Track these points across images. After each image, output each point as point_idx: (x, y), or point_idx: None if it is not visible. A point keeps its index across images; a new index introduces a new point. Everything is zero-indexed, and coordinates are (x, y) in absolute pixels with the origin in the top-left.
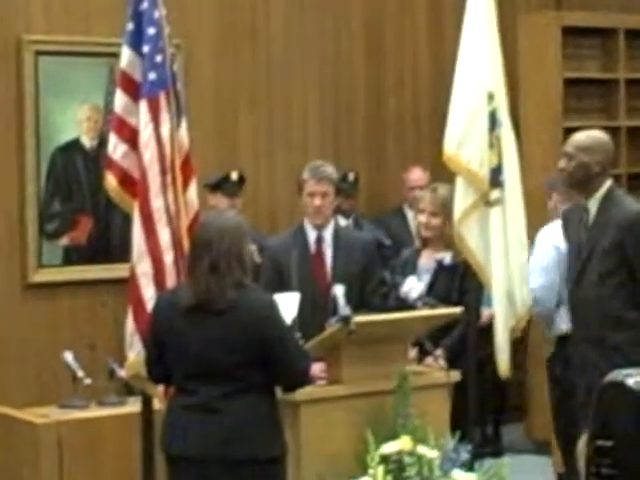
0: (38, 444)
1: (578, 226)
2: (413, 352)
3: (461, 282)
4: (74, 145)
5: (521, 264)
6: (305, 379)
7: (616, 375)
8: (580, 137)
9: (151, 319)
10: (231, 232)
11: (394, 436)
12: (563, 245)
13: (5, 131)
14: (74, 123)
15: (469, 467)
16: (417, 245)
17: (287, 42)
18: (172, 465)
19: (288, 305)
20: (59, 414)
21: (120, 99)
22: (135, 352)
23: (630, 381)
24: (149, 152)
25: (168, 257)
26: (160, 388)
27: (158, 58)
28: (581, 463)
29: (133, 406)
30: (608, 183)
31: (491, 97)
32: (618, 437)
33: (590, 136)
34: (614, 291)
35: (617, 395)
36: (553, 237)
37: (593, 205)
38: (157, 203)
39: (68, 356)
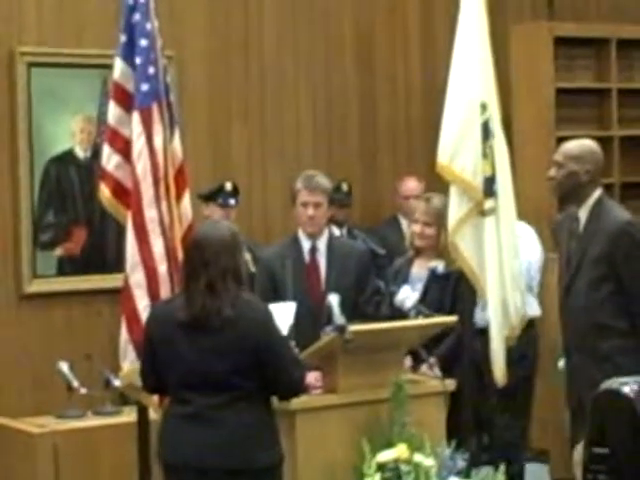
0: (34, 454)
1: (568, 235)
2: (407, 360)
3: (453, 291)
4: (67, 156)
5: (514, 273)
6: (300, 388)
7: (611, 383)
8: (570, 146)
9: (145, 330)
10: (226, 247)
11: (390, 444)
12: None
13: None
14: (67, 134)
15: (466, 475)
16: (410, 254)
17: (279, 52)
18: (168, 474)
19: (284, 315)
20: (55, 424)
21: (113, 110)
22: (129, 362)
23: (625, 389)
24: (142, 163)
25: (162, 267)
26: (155, 398)
27: (150, 70)
28: (577, 471)
29: (129, 416)
30: (598, 192)
31: (484, 107)
32: (614, 444)
33: (580, 145)
34: (603, 300)
35: (612, 403)
36: None
37: (583, 214)
38: (151, 214)
39: (63, 366)
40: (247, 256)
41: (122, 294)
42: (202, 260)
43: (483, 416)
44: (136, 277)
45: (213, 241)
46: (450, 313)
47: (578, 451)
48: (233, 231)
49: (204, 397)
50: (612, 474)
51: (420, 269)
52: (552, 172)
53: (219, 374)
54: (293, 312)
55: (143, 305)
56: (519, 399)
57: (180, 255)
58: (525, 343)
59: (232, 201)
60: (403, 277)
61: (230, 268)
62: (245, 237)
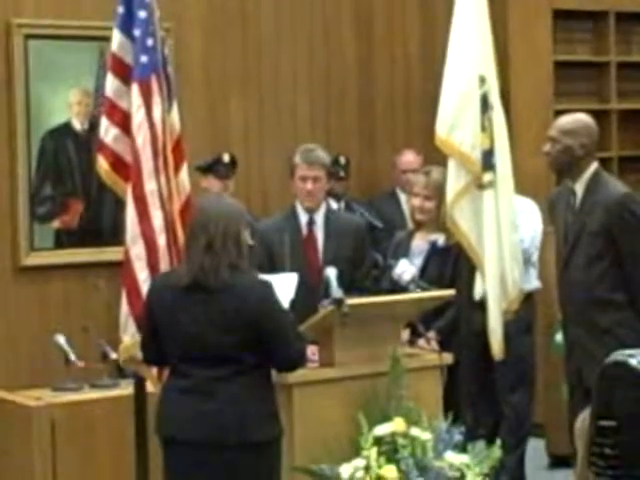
0: (31, 427)
1: (565, 209)
2: (405, 334)
3: (454, 264)
4: (65, 129)
5: (513, 246)
6: (300, 361)
7: (618, 355)
8: (564, 121)
9: (146, 301)
10: (228, 214)
11: (387, 418)
12: None
13: None
14: (65, 107)
15: (462, 449)
16: (410, 227)
17: (277, 25)
18: (167, 448)
19: (285, 286)
20: (52, 397)
21: (111, 83)
22: (129, 335)
23: (633, 361)
24: (142, 135)
25: (161, 240)
26: (154, 371)
27: (149, 42)
28: (578, 442)
29: (126, 389)
30: (594, 166)
31: (482, 80)
32: (621, 417)
33: (574, 119)
34: (602, 274)
35: (620, 375)
36: None
37: (579, 188)
38: (150, 186)
39: (60, 339)
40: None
41: (123, 267)
42: (202, 222)
43: (487, 388)
44: (136, 249)
45: (215, 207)
46: (450, 286)
47: (580, 419)
48: (237, 204)
49: (204, 370)
50: (619, 447)
51: (421, 242)
52: (547, 147)
53: (219, 347)
54: (295, 284)
55: (143, 278)
56: (528, 369)
57: (179, 228)
58: (528, 314)
59: (230, 173)
60: (404, 251)
61: (230, 233)
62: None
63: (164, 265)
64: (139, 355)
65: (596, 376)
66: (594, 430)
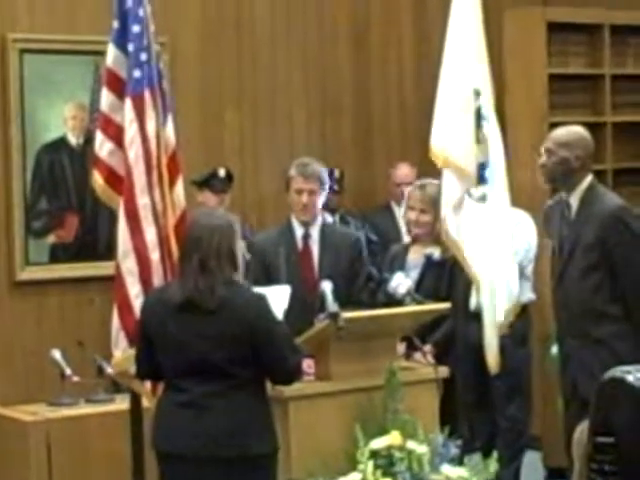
0: (27, 442)
1: (560, 222)
2: (401, 348)
3: (450, 277)
4: (60, 143)
5: (507, 260)
6: (296, 374)
7: (616, 372)
8: (559, 133)
9: (140, 318)
10: (221, 230)
11: (383, 431)
12: None
13: None
14: (60, 121)
15: (459, 462)
16: (406, 241)
17: (272, 38)
18: (163, 463)
19: (278, 299)
20: (48, 412)
21: (106, 97)
22: (121, 349)
23: (630, 377)
24: (134, 150)
25: (154, 255)
26: (147, 386)
27: (143, 56)
28: (576, 453)
29: (122, 403)
30: (589, 178)
31: (477, 93)
32: (619, 433)
33: (569, 131)
34: (597, 286)
35: (617, 392)
36: None
37: (574, 200)
38: (143, 201)
39: (56, 354)
40: (241, 243)
41: (114, 282)
42: (194, 239)
43: (483, 401)
44: (128, 264)
45: (207, 222)
46: (446, 299)
47: (579, 430)
48: (230, 218)
49: (199, 385)
50: (617, 464)
51: (416, 256)
52: (543, 159)
53: (214, 362)
54: (287, 296)
55: (135, 293)
56: (524, 380)
57: (173, 243)
58: (523, 326)
59: (226, 187)
60: (399, 264)
61: (224, 249)
62: (240, 224)
63: (157, 280)
64: (131, 370)
65: (593, 393)
66: (592, 446)
